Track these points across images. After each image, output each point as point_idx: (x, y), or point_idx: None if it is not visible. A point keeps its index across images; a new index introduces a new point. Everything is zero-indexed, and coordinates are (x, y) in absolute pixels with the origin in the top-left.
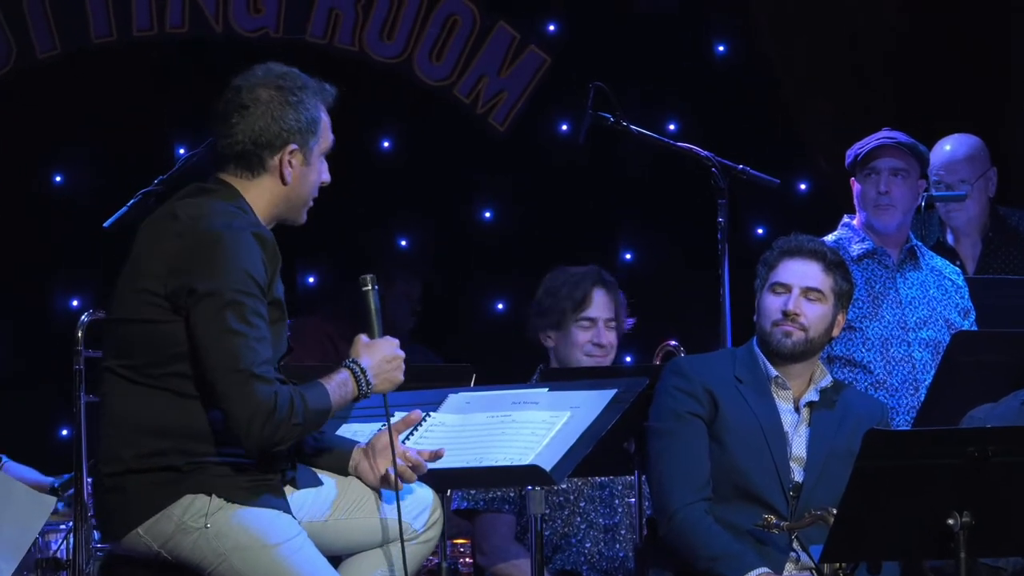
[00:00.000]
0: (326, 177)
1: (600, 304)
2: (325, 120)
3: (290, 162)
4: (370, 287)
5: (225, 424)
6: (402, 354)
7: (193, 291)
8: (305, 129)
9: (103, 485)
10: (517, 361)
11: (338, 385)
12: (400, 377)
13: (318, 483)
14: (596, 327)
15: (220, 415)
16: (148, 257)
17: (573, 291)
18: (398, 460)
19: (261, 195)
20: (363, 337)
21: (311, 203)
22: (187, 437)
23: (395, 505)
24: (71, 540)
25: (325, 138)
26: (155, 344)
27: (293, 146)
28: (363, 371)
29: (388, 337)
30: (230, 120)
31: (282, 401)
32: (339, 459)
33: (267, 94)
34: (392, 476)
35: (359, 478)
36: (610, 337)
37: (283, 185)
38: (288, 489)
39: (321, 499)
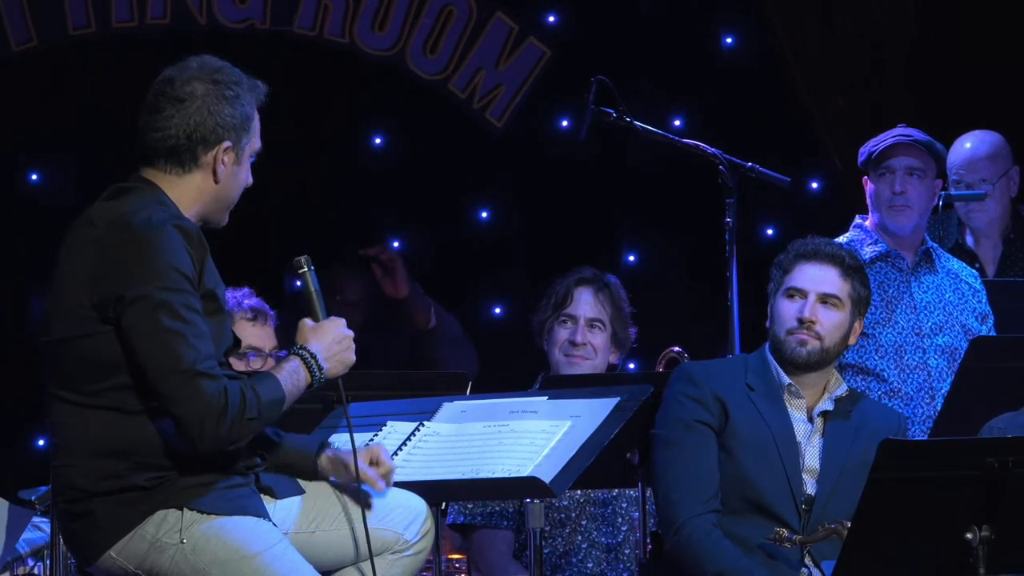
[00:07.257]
0: (250, 179)
1: (582, 303)
2: (257, 119)
3: (224, 160)
4: (306, 268)
5: (177, 430)
6: (350, 333)
7: (121, 298)
8: (239, 126)
9: (69, 513)
10: (517, 369)
11: (289, 374)
12: (352, 357)
13: (299, 491)
14: (576, 325)
15: (172, 423)
16: (70, 270)
17: (556, 289)
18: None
19: (188, 192)
20: (308, 321)
21: (233, 205)
22: (144, 453)
23: (384, 516)
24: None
25: (256, 138)
26: (90, 359)
27: (227, 143)
28: (313, 356)
29: (334, 317)
30: (163, 113)
31: (233, 396)
32: (303, 460)
33: (203, 88)
34: (356, 470)
35: (331, 479)
36: (591, 337)
37: (214, 183)
38: (268, 499)
39: (306, 509)
